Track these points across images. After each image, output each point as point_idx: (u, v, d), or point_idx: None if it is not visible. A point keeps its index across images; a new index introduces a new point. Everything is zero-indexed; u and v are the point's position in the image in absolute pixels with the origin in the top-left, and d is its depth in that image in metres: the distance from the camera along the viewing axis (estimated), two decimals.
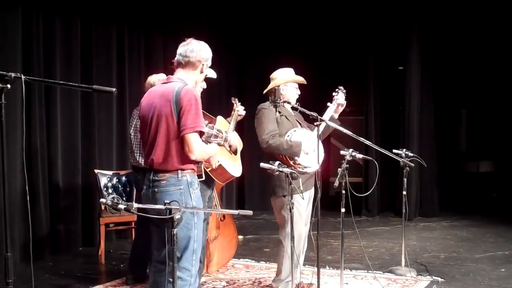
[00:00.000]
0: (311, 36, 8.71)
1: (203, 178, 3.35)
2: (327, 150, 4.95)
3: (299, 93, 4.21)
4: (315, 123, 3.87)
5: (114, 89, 2.23)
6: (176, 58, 3.11)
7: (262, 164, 3.46)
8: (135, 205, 2.56)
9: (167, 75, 3.26)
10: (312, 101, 5.32)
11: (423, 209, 8.27)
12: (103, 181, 5.68)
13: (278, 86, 4.01)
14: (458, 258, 5.62)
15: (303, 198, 3.93)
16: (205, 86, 3.90)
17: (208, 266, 4.85)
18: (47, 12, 5.77)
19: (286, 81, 4.14)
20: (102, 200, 2.59)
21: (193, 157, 2.96)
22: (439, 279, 4.79)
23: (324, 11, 8.44)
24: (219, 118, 4.09)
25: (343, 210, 3.90)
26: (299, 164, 3.94)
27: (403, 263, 4.96)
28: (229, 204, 8.53)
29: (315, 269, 3.87)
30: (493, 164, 9.63)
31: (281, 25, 8.63)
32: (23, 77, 2.09)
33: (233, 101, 4.28)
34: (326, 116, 4.17)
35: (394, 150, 4.86)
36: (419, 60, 8.14)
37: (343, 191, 3.87)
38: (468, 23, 8.33)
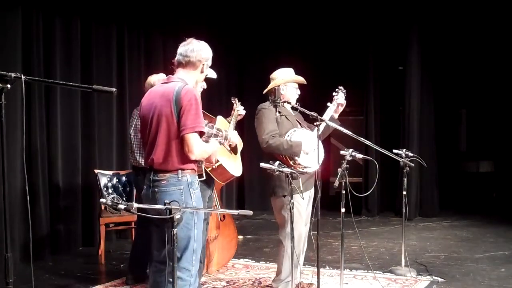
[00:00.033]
0: (311, 36, 8.71)
1: (204, 178, 3.35)
2: (327, 150, 4.95)
3: (299, 93, 4.21)
4: (315, 123, 3.87)
5: (114, 89, 2.23)
6: (176, 58, 3.11)
7: (262, 164, 3.46)
8: (135, 205, 2.56)
9: (167, 75, 3.26)
10: (312, 101, 5.32)
11: (423, 209, 8.27)
12: (103, 181, 5.69)
13: (278, 86, 4.01)
14: (458, 258, 5.62)
15: (303, 198, 3.93)
16: (205, 86, 3.90)
17: (208, 266, 4.85)
18: (47, 12, 5.77)
19: (286, 81, 4.14)
20: (102, 200, 2.59)
21: (193, 157, 2.96)
22: (439, 279, 4.79)
23: (324, 11, 8.44)
24: (219, 118, 4.09)
25: (343, 210, 3.90)
26: (299, 164, 3.94)
27: (403, 263, 4.96)
28: (229, 204, 8.53)
29: (315, 269, 3.87)
30: (493, 164, 9.63)
31: (281, 25, 8.63)
32: (23, 77, 2.09)
33: (233, 101, 4.29)
34: (326, 116, 4.18)
35: (394, 150, 4.86)
36: (419, 60, 8.14)
37: (343, 191, 3.87)
38: (468, 23, 8.33)
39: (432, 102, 8.45)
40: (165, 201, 2.64)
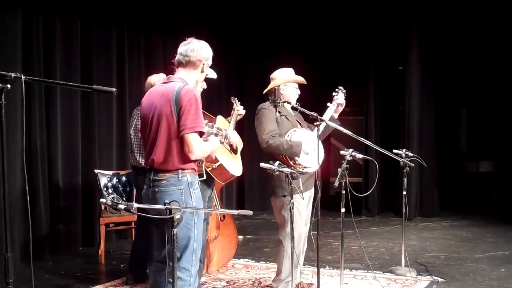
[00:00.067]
0: (311, 36, 8.71)
1: (204, 178, 3.35)
2: (327, 150, 4.95)
3: (299, 93, 4.21)
4: (315, 123, 3.87)
5: (114, 89, 2.23)
6: (176, 58, 3.11)
7: (262, 164, 3.46)
8: (135, 205, 2.56)
9: (167, 75, 3.26)
10: (312, 101, 5.32)
11: (423, 209, 8.27)
12: (103, 181, 5.69)
13: (278, 86, 4.01)
14: (458, 258, 5.62)
15: (303, 198, 3.93)
16: (205, 86, 3.91)
17: (208, 266, 4.85)
18: (47, 12, 5.77)
19: (286, 81, 4.14)
20: (102, 200, 2.59)
21: (193, 157, 2.96)
22: (439, 279, 4.79)
23: (324, 11, 8.44)
24: (219, 118, 4.09)
25: (343, 210, 3.90)
26: (299, 164, 3.94)
27: (403, 263, 4.96)
28: (229, 204, 8.53)
29: (315, 269, 3.87)
30: (493, 164, 9.63)
31: (281, 25, 8.63)
32: (23, 77, 2.09)
33: (232, 101, 4.29)
34: (326, 116, 4.18)
35: (394, 150, 4.86)
36: (419, 60, 8.14)
37: (343, 191, 3.87)
38: (468, 23, 8.33)
39: (432, 102, 8.45)
40: (165, 201, 2.64)
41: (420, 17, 8.08)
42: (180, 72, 3.09)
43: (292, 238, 3.44)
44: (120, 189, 5.76)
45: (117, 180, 5.78)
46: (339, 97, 4.28)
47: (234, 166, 4.01)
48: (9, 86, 2.05)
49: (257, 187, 8.64)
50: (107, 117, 6.51)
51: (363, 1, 8.22)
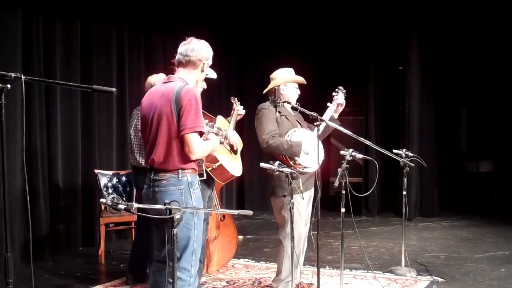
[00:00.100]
0: (311, 36, 8.71)
1: (205, 177, 3.35)
2: (327, 150, 4.95)
3: (299, 93, 4.21)
4: (315, 123, 3.87)
5: (114, 89, 2.23)
6: (176, 57, 3.11)
7: (262, 164, 3.46)
8: (135, 205, 2.56)
9: (167, 75, 3.26)
10: (312, 101, 5.32)
11: (423, 209, 8.26)
12: (103, 181, 5.68)
13: (278, 86, 4.01)
14: (458, 258, 5.62)
15: (303, 198, 3.93)
16: (205, 86, 3.90)
17: (208, 266, 4.85)
18: (47, 12, 5.77)
19: (286, 81, 4.14)
20: (102, 200, 2.59)
21: (193, 157, 2.96)
22: (439, 279, 4.79)
23: (324, 11, 8.44)
24: (219, 118, 4.09)
25: (343, 210, 3.90)
26: (299, 164, 3.94)
27: (403, 263, 4.96)
28: (229, 204, 8.53)
29: (315, 269, 3.87)
30: (493, 164, 9.63)
31: (281, 25, 8.63)
32: (23, 77, 2.09)
33: (232, 101, 4.29)
34: (326, 116, 4.18)
35: (394, 150, 4.86)
36: (419, 60, 8.14)
37: (343, 191, 3.87)
38: (468, 23, 8.33)
39: (432, 102, 8.45)
40: (165, 201, 2.64)
41: (420, 17, 8.08)
42: (180, 72, 3.09)
43: (292, 238, 3.44)
44: (120, 189, 5.76)
45: (117, 180, 5.78)
46: (339, 97, 4.28)
47: (234, 166, 4.01)
48: (9, 86, 2.05)
49: (257, 187, 8.64)
50: (107, 117, 6.51)
51: (363, 1, 8.22)
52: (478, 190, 9.39)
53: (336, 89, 4.32)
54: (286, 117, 4.07)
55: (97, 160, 6.29)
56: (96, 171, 5.79)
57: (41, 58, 5.69)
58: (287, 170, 3.40)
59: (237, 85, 8.69)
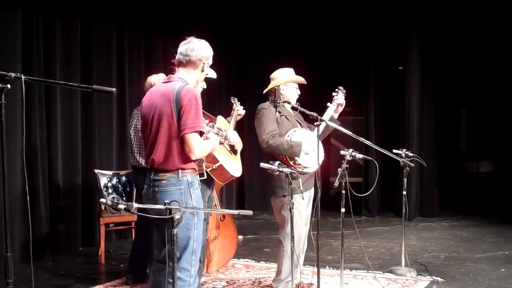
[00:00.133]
0: (311, 36, 8.71)
1: (205, 177, 3.35)
2: (327, 150, 4.95)
3: (299, 93, 4.21)
4: (315, 123, 3.87)
5: (114, 89, 2.23)
6: (176, 57, 3.10)
7: (262, 164, 3.46)
8: (135, 205, 2.56)
9: (167, 75, 3.26)
10: (312, 101, 5.32)
11: (423, 209, 8.26)
12: (103, 181, 5.69)
13: (278, 86, 4.01)
14: (458, 258, 5.62)
15: (303, 198, 3.93)
16: (205, 86, 3.90)
17: (208, 266, 4.85)
18: (47, 12, 5.77)
19: (286, 81, 4.14)
20: (102, 200, 2.59)
21: (193, 157, 2.96)
22: (439, 279, 4.79)
23: (324, 11, 8.44)
24: (219, 118, 4.09)
25: (343, 210, 3.90)
26: (299, 164, 3.94)
27: (403, 263, 4.96)
28: (229, 204, 8.53)
29: (315, 269, 3.87)
30: (493, 164, 9.63)
31: (281, 25, 8.63)
32: (23, 77, 2.09)
33: (232, 101, 4.30)
34: (326, 116, 4.18)
35: (394, 150, 4.86)
36: (419, 60, 8.14)
37: (343, 191, 3.87)
38: (468, 23, 8.33)
39: (432, 102, 8.45)
40: (165, 201, 2.64)
41: (420, 17, 8.08)
42: (181, 72, 3.09)
43: (292, 238, 3.43)
44: (120, 189, 5.76)
45: (117, 180, 5.78)
46: (339, 97, 4.28)
47: (234, 167, 4.01)
48: (9, 86, 2.05)
49: (257, 187, 8.64)
50: (107, 117, 6.51)
51: (363, 1, 8.22)
52: (478, 190, 9.39)
53: (336, 89, 4.32)
54: (286, 117, 4.07)
55: (97, 160, 6.29)
56: (96, 171, 5.79)
57: (41, 58, 5.69)
58: (287, 170, 3.40)
59: (237, 85, 8.69)
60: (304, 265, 4.37)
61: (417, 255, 5.69)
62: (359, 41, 8.54)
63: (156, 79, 4.33)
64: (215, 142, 3.24)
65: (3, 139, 2.07)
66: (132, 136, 4.51)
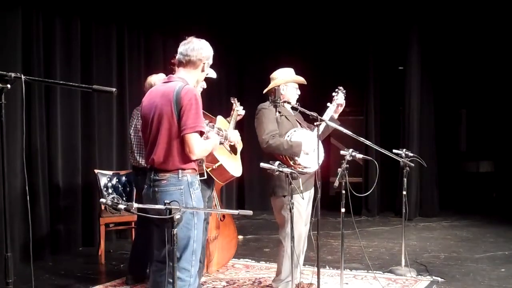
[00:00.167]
0: (311, 36, 8.71)
1: (205, 177, 3.35)
2: (327, 150, 4.95)
3: (299, 93, 4.21)
4: (315, 123, 3.87)
5: (114, 89, 2.23)
6: (177, 57, 3.10)
7: (262, 164, 3.46)
8: (135, 205, 2.56)
9: (167, 75, 3.26)
10: (312, 101, 5.32)
11: (423, 209, 8.26)
12: (103, 181, 5.69)
13: (278, 86, 4.01)
14: (458, 258, 5.62)
15: (303, 198, 3.93)
16: (205, 86, 3.90)
17: (208, 266, 4.85)
18: (47, 12, 5.77)
19: (286, 81, 4.14)
20: (102, 200, 2.59)
21: (194, 157, 2.96)
22: (439, 279, 4.79)
23: (324, 11, 8.44)
24: (219, 118, 4.09)
25: (343, 210, 3.90)
26: (299, 164, 3.94)
27: (403, 263, 4.96)
28: (229, 204, 8.53)
29: (315, 269, 3.87)
30: (493, 164, 9.63)
31: (281, 25, 8.63)
32: (23, 77, 2.09)
33: (232, 101, 4.30)
34: (326, 116, 4.18)
35: (394, 150, 4.86)
36: (419, 60, 8.14)
37: (343, 191, 3.87)
38: (468, 23, 8.33)
39: (432, 102, 8.45)
40: (165, 201, 2.64)
41: (420, 17, 8.08)
42: (181, 72, 3.09)
43: (292, 238, 3.43)
44: (120, 189, 5.76)
45: (117, 180, 5.78)
46: (339, 97, 4.28)
47: (234, 167, 4.01)
48: (9, 86, 2.05)
49: (257, 187, 8.64)
50: (107, 117, 6.51)
51: (363, 1, 8.22)
52: (478, 190, 9.39)
53: (336, 89, 4.31)
54: (286, 117, 4.07)
55: (97, 160, 6.29)
56: (96, 171, 5.79)
57: (41, 58, 5.69)
58: (287, 170, 3.40)
59: (237, 85, 8.69)
60: (304, 265, 4.37)
61: (417, 255, 5.69)
62: (359, 41, 8.54)
63: (156, 79, 4.33)
64: (215, 142, 3.24)
65: (3, 139, 2.07)
66: (132, 136, 4.51)
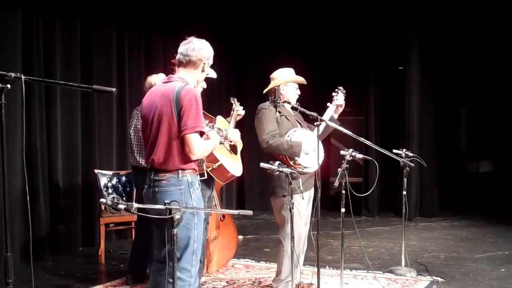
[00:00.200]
0: (311, 36, 8.71)
1: (205, 177, 3.35)
2: (327, 150, 4.95)
3: (299, 93, 4.21)
4: (315, 123, 3.87)
5: (114, 89, 2.23)
6: (177, 57, 3.10)
7: (262, 164, 3.46)
8: (135, 205, 2.56)
9: (167, 75, 3.26)
10: (312, 101, 5.32)
11: (423, 209, 8.27)
12: (103, 181, 5.69)
13: (278, 86, 4.01)
14: (458, 258, 5.62)
15: (303, 198, 3.93)
16: (205, 86, 3.90)
17: (208, 266, 4.85)
18: (47, 12, 5.77)
19: (286, 81, 4.14)
20: (102, 200, 2.59)
21: (194, 157, 2.96)
22: (439, 279, 4.79)
23: (324, 11, 8.44)
24: (219, 118, 4.09)
25: (343, 210, 3.90)
26: (299, 164, 3.94)
27: (403, 263, 4.96)
28: (229, 204, 8.53)
29: (315, 269, 3.87)
30: (493, 164, 9.63)
31: (281, 25, 8.63)
32: (23, 77, 2.09)
33: (232, 101, 4.30)
34: (326, 116, 4.18)
35: (394, 150, 4.86)
36: (419, 60, 8.14)
37: (343, 191, 3.87)
38: (468, 23, 8.33)
39: (432, 102, 8.45)
40: (165, 201, 2.64)
41: (420, 17, 8.08)
42: (181, 72, 3.09)
43: (292, 238, 3.43)
44: (120, 189, 5.76)
45: (117, 180, 5.78)
46: (339, 97, 4.28)
47: (234, 166, 4.01)
48: (9, 86, 2.05)
49: (257, 187, 8.64)
50: (107, 117, 6.51)
51: (363, 1, 8.22)
52: (478, 190, 9.39)
53: (336, 90, 4.31)
54: (286, 117, 4.07)
55: (97, 160, 6.29)
56: (96, 171, 5.79)
57: (41, 58, 5.69)
58: (287, 170, 3.40)
59: (237, 85, 8.69)
60: (304, 265, 4.37)
61: (417, 255, 5.69)
62: (359, 41, 8.54)
63: (156, 79, 4.33)
64: (215, 142, 3.24)
65: (3, 139, 2.07)
66: (132, 136, 4.51)
